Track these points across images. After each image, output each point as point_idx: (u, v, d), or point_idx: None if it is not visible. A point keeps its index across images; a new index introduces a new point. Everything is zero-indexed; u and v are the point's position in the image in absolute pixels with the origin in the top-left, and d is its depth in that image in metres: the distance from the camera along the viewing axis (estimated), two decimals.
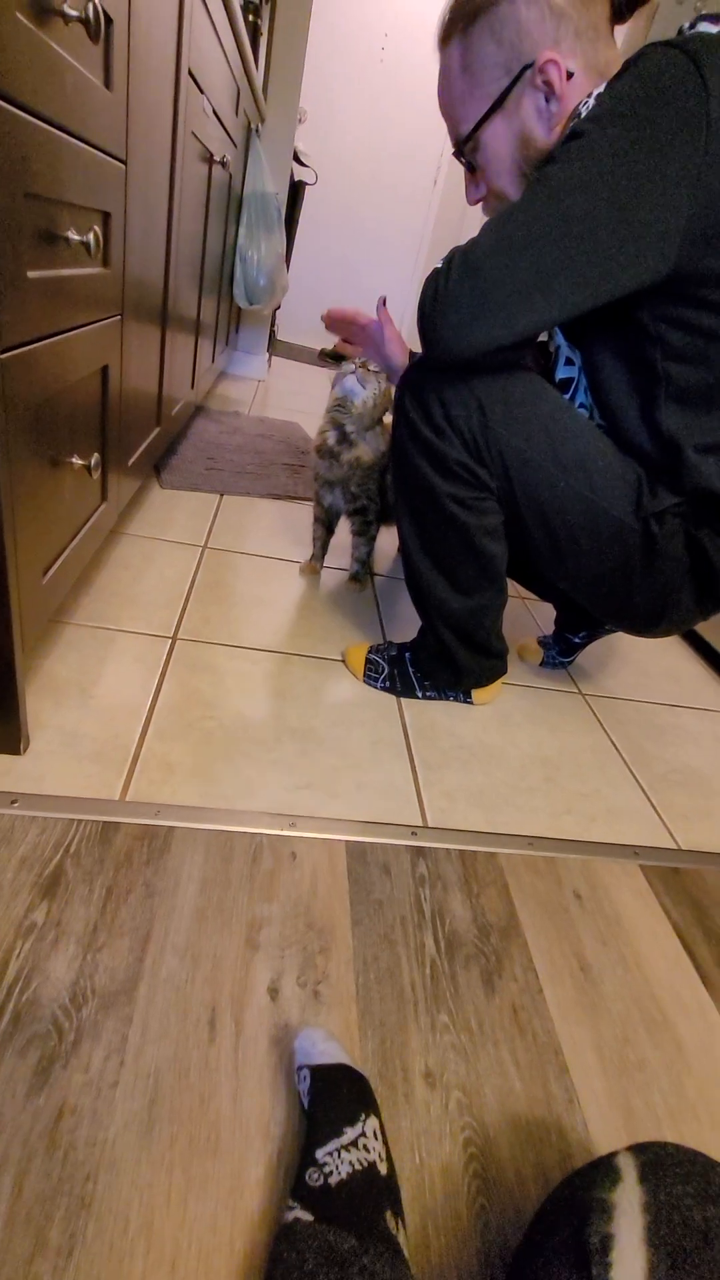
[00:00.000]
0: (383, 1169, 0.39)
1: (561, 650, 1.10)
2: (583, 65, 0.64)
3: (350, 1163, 0.38)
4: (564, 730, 0.96)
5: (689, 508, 0.71)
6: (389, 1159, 0.41)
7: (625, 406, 0.71)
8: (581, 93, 0.64)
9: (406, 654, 0.94)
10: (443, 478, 0.74)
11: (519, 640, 1.13)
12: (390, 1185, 0.39)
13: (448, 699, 0.95)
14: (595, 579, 0.77)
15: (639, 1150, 0.34)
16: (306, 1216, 0.36)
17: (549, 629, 1.15)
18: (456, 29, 0.67)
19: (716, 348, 0.64)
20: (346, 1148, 0.39)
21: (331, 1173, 0.38)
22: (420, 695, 0.94)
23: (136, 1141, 0.42)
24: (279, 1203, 0.41)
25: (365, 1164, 0.39)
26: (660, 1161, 0.33)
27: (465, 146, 0.71)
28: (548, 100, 0.65)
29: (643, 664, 1.22)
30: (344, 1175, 0.38)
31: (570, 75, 0.63)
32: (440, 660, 0.90)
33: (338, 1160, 0.38)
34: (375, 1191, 0.38)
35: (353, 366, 0.97)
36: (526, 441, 0.70)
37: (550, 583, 0.91)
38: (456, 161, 0.74)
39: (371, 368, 0.97)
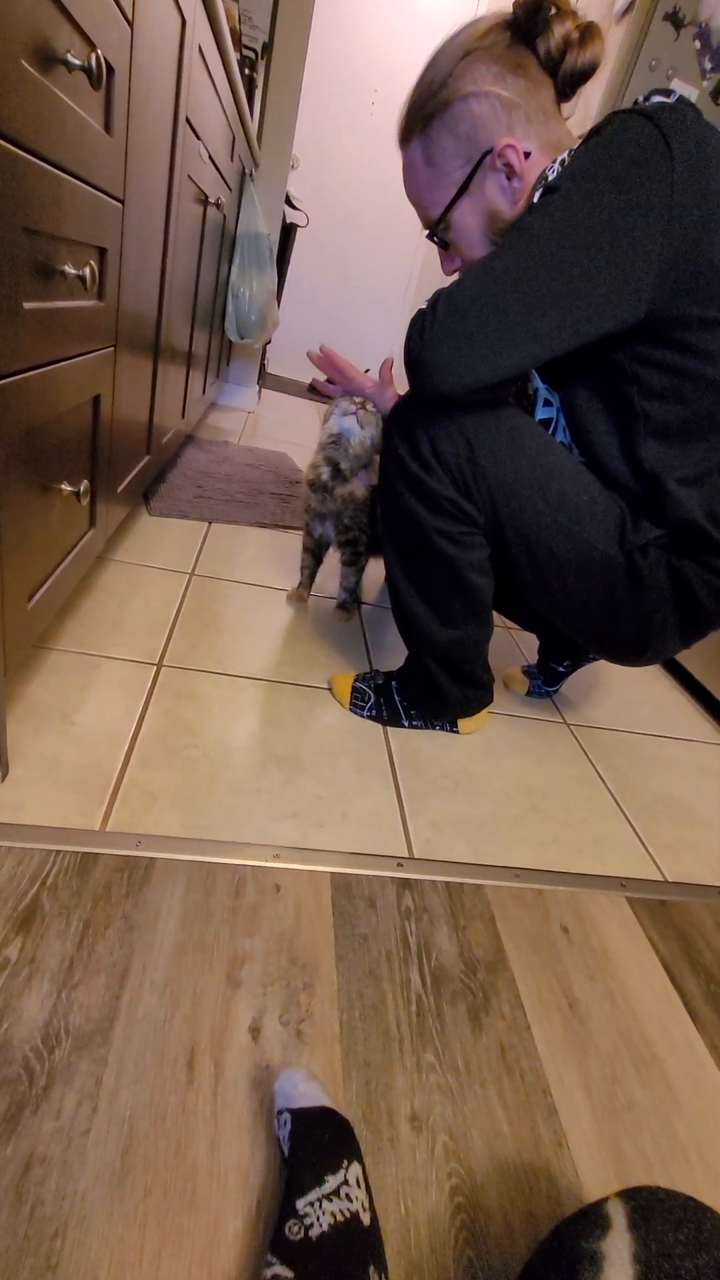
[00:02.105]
0: (366, 1219, 0.38)
1: (546, 680, 1.11)
2: (538, 145, 0.69)
3: (332, 1213, 0.37)
4: (549, 760, 0.96)
5: (671, 539, 0.73)
6: (372, 1208, 0.39)
7: (606, 443, 0.74)
8: (539, 167, 0.69)
9: (393, 683, 0.94)
10: (431, 513, 0.75)
11: (504, 670, 1.14)
12: (374, 1237, 0.38)
13: (434, 728, 0.95)
14: (581, 610, 0.79)
15: (629, 1196, 0.33)
16: (286, 1273, 0.34)
17: (534, 658, 1.16)
18: (415, 130, 0.72)
19: (691, 385, 0.66)
20: (328, 1197, 0.38)
21: (312, 1224, 0.36)
22: (406, 724, 0.93)
23: (108, 1194, 0.40)
24: (258, 1258, 0.39)
25: (348, 1214, 0.37)
26: (650, 1208, 0.32)
27: (437, 228, 0.76)
28: (509, 179, 0.70)
29: (626, 694, 1.23)
30: (325, 1227, 0.36)
31: (528, 154, 0.68)
32: (427, 690, 0.90)
33: (319, 1211, 0.37)
34: (358, 1244, 0.36)
35: (354, 406, 0.98)
36: (514, 477, 0.72)
37: (533, 613, 0.93)
38: (431, 242, 0.79)
39: (370, 408, 0.98)
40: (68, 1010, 0.49)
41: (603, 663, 1.30)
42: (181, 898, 0.60)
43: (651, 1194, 0.33)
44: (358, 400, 0.98)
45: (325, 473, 1.02)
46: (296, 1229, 0.36)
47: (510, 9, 0.67)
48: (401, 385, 0.91)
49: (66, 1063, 0.46)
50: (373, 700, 0.93)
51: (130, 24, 0.69)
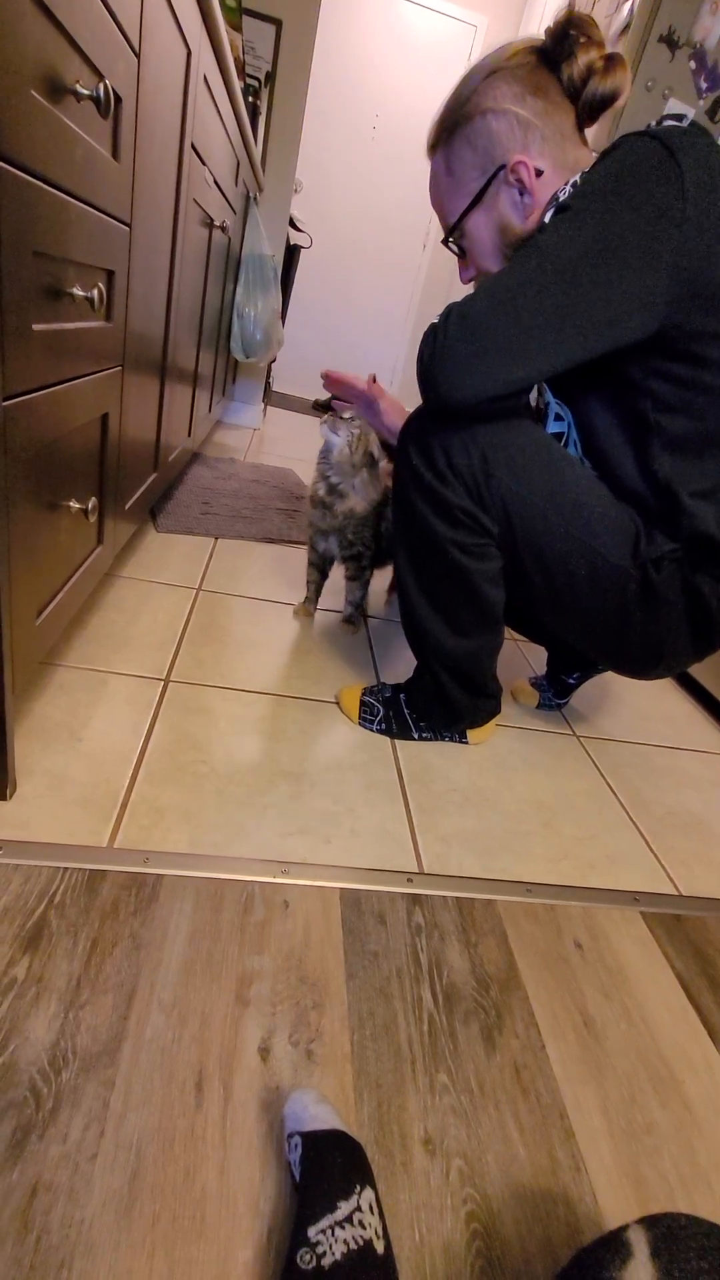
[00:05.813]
0: (379, 1247, 0.37)
1: (556, 692, 1.10)
2: (551, 165, 0.70)
3: (345, 1241, 0.36)
4: (559, 773, 0.95)
5: (685, 553, 0.72)
6: (386, 1236, 0.38)
7: (620, 457, 0.74)
8: (552, 186, 0.71)
9: (401, 695, 0.93)
10: (446, 523, 0.75)
11: (513, 682, 1.13)
12: (388, 1266, 0.37)
13: (443, 739, 0.94)
14: (594, 623, 0.78)
15: (651, 1223, 0.32)
16: None
17: (542, 669, 1.15)
18: (440, 139, 0.75)
19: (705, 398, 0.67)
20: (341, 1224, 0.37)
21: (325, 1253, 0.35)
22: (416, 736, 0.93)
23: (115, 1222, 0.39)
24: None
25: (361, 1242, 0.36)
26: (674, 1235, 0.31)
27: (454, 234, 0.78)
28: (521, 194, 0.72)
29: (637, 706, 1.22)
30: (338, 1256, 0.35)
31: (540, 173, 0.70)
32: (436, 701, 0.89)
33: (331, 1239, 0.36)
34: (372, 1274, 0.35)
35: (326, 417, 1.00)
36: (528, 488, 0.72)
37: (543, 626, 0.92)
38: (449, 249, 0.82)
39: (345, 415, 1.00)
40: (75, 1031, 0.48)
41: (612, 674, 1.29)
42: (189, 915, 0.59)
43: (674, 1220, 0.32)
44: (335, 410, 1.01)
45: (321, 489, 1.05)
46: (309, 1258, 0.35)
47: (542, 35, 0.70)
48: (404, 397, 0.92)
49: (73, 1085, 0.45)
50: (381, 713, 0.93)
51: (137, 55, 0.71)
